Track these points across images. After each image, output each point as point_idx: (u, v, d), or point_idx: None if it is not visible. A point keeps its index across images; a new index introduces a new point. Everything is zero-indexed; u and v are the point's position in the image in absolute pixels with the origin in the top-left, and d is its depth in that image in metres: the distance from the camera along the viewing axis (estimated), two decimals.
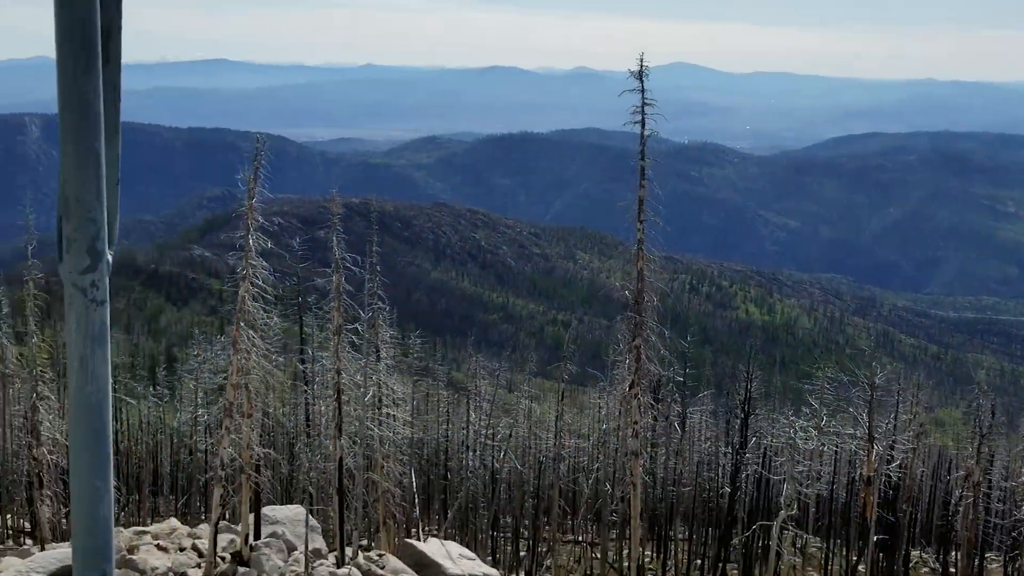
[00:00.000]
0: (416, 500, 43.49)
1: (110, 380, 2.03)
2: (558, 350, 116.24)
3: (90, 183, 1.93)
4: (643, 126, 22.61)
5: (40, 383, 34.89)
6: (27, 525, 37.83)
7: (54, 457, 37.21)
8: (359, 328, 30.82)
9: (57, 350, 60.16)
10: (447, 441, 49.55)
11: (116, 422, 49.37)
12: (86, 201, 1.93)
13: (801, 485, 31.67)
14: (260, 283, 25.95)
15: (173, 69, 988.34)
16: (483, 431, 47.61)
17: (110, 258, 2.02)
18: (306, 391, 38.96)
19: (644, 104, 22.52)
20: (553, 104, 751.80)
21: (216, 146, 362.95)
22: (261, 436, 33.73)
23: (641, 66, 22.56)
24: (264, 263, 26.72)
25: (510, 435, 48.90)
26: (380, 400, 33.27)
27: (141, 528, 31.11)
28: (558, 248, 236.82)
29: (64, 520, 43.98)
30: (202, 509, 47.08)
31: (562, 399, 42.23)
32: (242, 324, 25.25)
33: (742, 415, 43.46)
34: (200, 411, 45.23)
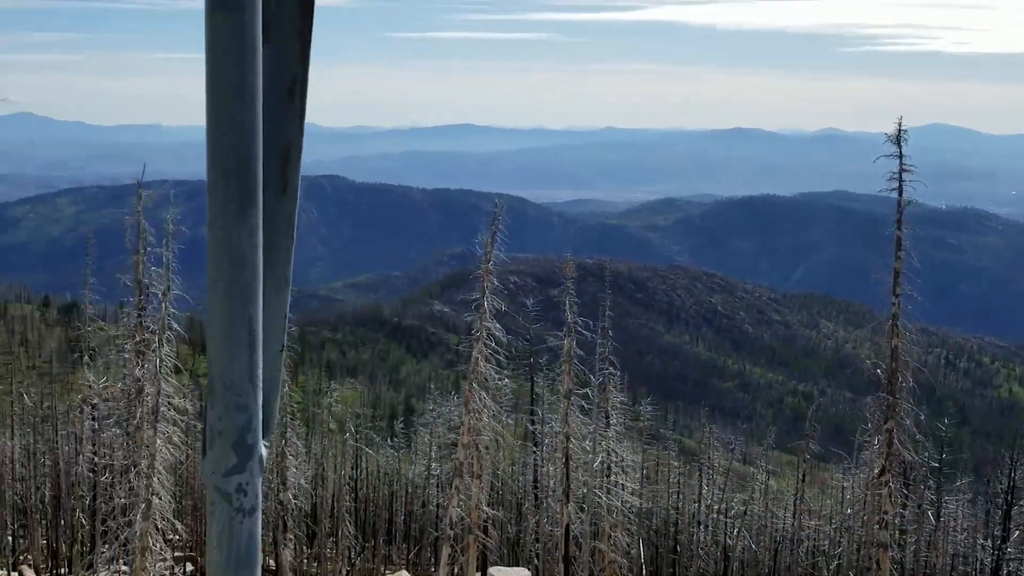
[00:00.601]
0: (644, 573, 42.22)
1: None
2: (797, 422, 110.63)
3: (240, 359, 1.50)
4: (900, 193, 21.03)
5: (288, 429, 36.91)
6: (272, 563, 39.77)
7: (298, 502, 39.08)
8: (589, 393, 30.50)
9: (307, 397, 63.77)
10: (677, 513, 47.90)
11: (356, 470, 51.45)
12: (235, 383, 1.50)
13: None
14: (493, 345, 26.25)
15: (424, 134, 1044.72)
16: (716, 505, 45.74)
17: (264, 452, 1.59)
18: (535, 452, 39.01)
19: (902, 170, 20.97)
20: (798, 166, 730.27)
21: (461, 206, 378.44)
22: (489, 495, 33.98)
23: (899, 130, 21.06)
24: (498, 324, 27.05)
25: (745, 511, 46.65)
26: (609, 467, 32.68)
27: None
28: (800, 315, 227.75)
29: (305, 562, 46.08)
30: (432, 561, 47.92)
31: (803, 479, 39.84)
32: (475, 385, 25.57)
33: (1004, 506, 39.50)
34: (433, 464, 46.30)
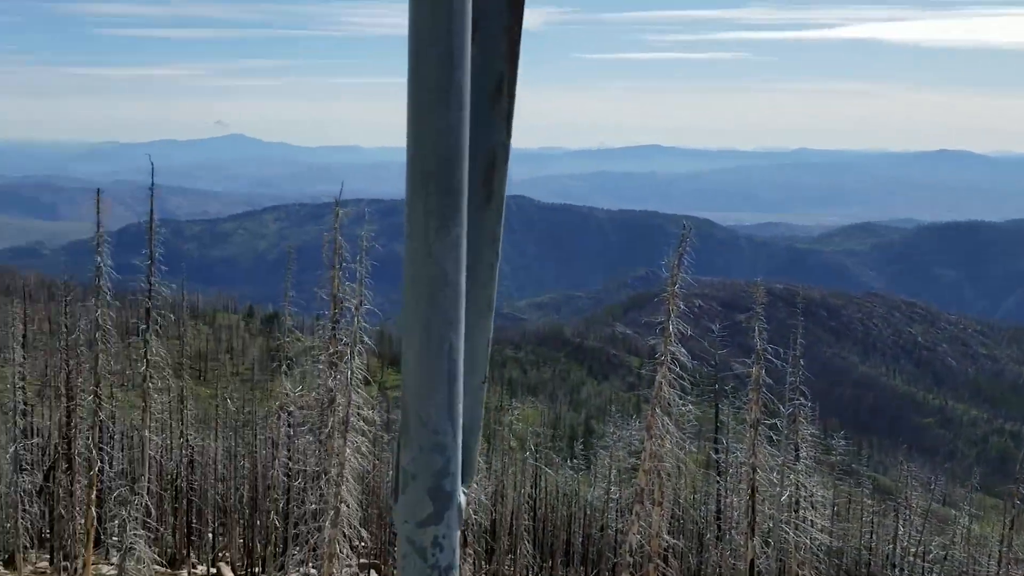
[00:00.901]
0: None
1: None
2: (1004, 463, 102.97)
3: (439, 392, 1.29)
4: None
5: None
6: None
7: (478, 517, 39.49)
8: (778, 423, 29.32)
9: (489, 414, 64.56)
10: (870, 554, 45.44)
11: (535, 489, 51.61)
12: (432, 420, 1.30)
13: None
14: (677, 369, 25.63)
15: (611, 155, 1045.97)
16: (913, 548, 43.10)
17: (463, 501, 1.37)
18: (718, 482, 37.91)
19: None
20: (1010, 190, 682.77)
21: (645, 228, 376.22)
22: (669, 523, 33.22)
23: None
24: (683, 349, 26.39)
25: (945, 556, 43.69)
26: (797, 501, 31.31)
27: None
28: (1009, 350, 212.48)
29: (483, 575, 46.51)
30: None
31: (1011, 525, 36.87)
32: (658, 410, 25.03)
33: None
34: (613, 488, 45.83)
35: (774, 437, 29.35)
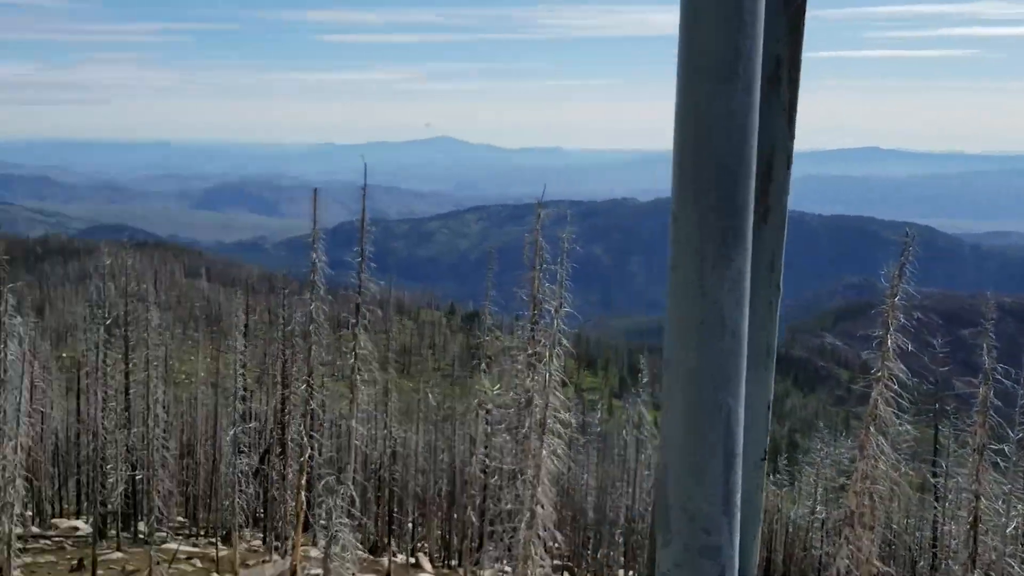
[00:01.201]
0: None
1: None
2: None
3: (711, 477, 0.95)
4: None
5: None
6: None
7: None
8: (1006, 449, 26.97)
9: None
10: None
11: None
12: (702, 513, 0.96)
13: None
14: (895, 386, 23.99)
15: (825, 157, 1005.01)
16: None
17: None
18: (935, 508, 35.37)
19: None
20: None
21: (858, 234, 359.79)
22: (880, 548, 31.24)
23: None
24: (900, 364, 24.69)
25: None
26: None
27: None
28: None
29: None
30: None
31: None
32: (871, 428, 23.50)
33: None
34: (818, 507, 43.70)
35: (1001, 463, 27.03)
